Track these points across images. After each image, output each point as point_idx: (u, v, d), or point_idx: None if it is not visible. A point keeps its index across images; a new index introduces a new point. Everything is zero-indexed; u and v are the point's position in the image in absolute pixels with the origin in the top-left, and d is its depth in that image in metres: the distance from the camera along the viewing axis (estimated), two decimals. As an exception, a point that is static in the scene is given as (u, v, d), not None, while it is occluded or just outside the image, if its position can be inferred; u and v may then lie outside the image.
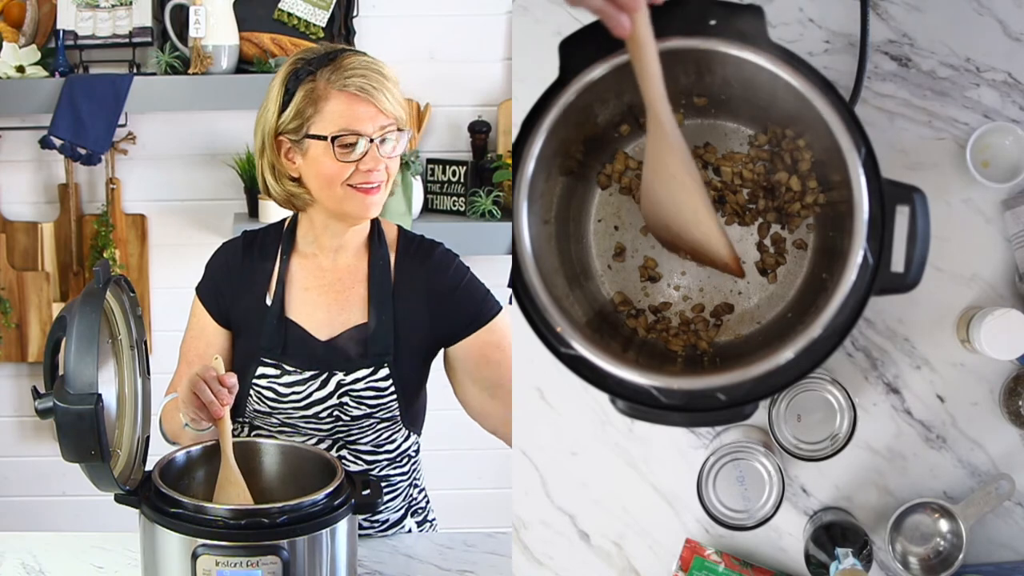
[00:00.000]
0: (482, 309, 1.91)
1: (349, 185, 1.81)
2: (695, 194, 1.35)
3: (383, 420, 1.90)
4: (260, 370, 1.87)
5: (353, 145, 1.79)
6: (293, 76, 1.81)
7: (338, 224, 1.88)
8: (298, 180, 1.86)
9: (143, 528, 1.52)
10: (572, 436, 1.60)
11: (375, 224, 1.94)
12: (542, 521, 1.62)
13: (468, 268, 1.95)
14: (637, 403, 1.30)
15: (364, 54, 1.85)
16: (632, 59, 1.27)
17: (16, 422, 3.25)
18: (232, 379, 1.66)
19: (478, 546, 1.81)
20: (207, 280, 1.95)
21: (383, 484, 1.95)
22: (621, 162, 1.46)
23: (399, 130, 1.84)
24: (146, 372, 1.63)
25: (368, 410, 1.88)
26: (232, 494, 1.64)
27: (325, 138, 1.79)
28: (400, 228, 1.98)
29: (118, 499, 1.53)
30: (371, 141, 1.80)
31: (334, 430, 1.90)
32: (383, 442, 1.94)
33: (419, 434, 2.01)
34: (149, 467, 1.59)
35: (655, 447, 1.59)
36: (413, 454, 2.01)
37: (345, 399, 1.87)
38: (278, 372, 1.87)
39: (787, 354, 1.27)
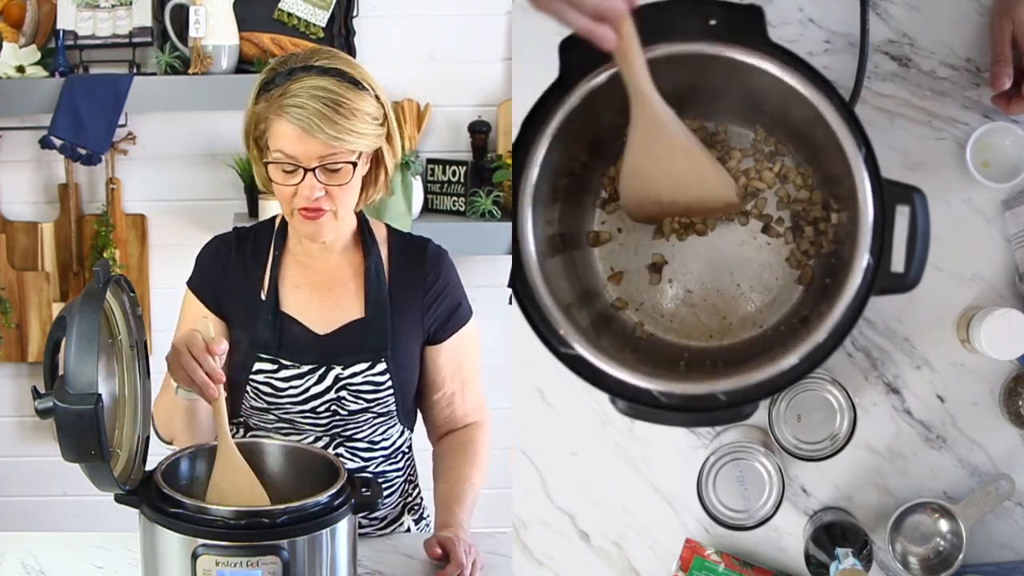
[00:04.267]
0: (462, 311, 1.98)
1: (298, 208, 1.81)
2: (696, 152, 1.36)
3: (379, 415, 1.92)
4: (257, 365, 1.88)
5: (292, 171, 1.77)
6: (262, 86, 1.81)
7: None
8: None
9: (143, 528, 1.52)
10: (572, 436, 1.60)
11: (363, 222, 1.95)
12: (542, 521, 1.62)
13: (455, 267, 1.99)
14: (637, 403, 1.30)
15: (329, 74, 1.77)
16: (616, 57, 1.28)
17: (16, 422, 3.25)
18: (223, 345, 1.63)
19: (478, 546, 1.81)
20: (199, 273, 1.95)
21: (380, 480, 1.96)
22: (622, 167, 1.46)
23: (351, 163, 1.78)
24: (146, 372, 1.63)
25: (365, 404, 1.89)
26: (240, 483, 1.62)
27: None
28: (389, 226, 2.00)
29: (118, 499, 1.52)
30: (309, 170, 1.76)
31: (331, 425, 1.91)
32: (379, 438, 1.95)
33: (412, 429, 2.03)
34: (149, 467, 1.59)
35: (655, 447, 1.59)
36: (407, 450, 2.03)
37: (343, 393, 1.88)
38: (275, 367, 1.88)
39: (791, 359, 1.27)
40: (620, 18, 1.19)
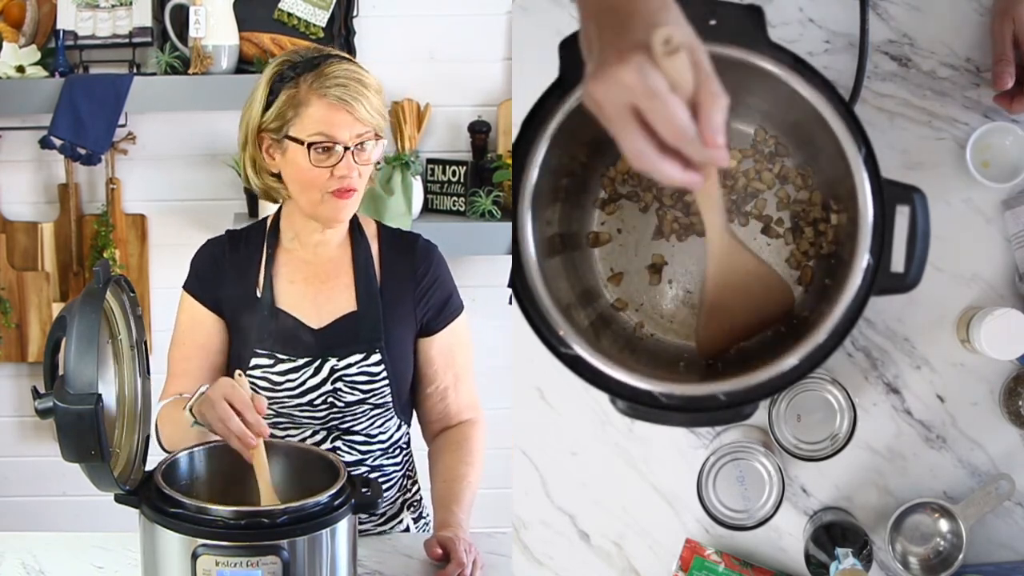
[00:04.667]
0: (454, 303, 2.01)
1: (327, 191, 1.85)
2: (767, 272, 1.36)
3: (376, 407, 1.94)
4: (253, 361, 1.90)
5: (329, 151, 1.83)
6: (278, 77, 1.86)
7: (315, 222, 1.92)
8: (278, 175, 1.91)
9: (143, 528, 1.52)
10: (572, 436, 1.60)
11: (353, 218, 1.98)
12: (542, 521, 1.62)
13: (445, 261, 2.02)
14: (637, 403, 1.30)
15: (349, 60, 1.88)
16: (697, 195, 1.28)
17: (16, 422, 3.25)
18: (264, 403, 1.63)
19: (478, 546, 1.81)
20: (195, 276, 1.98)
21: (377, 474, 1.98)
22: (623, 168, 1.46)
23: (377, 137, 1.87)
24: (146, 372, 1.63)
25: (361, 395, 1.92)
26: None
27: (303, 142, 1.83)
28: (378, 223, 2.04)
29: (118, 499, 1.53)
30: (347, 148, 1.83)
31: (328, 418, 1.93)
32: (376, 431, 1.97)
33: (409, 424, 2.04)
34: (149, 467, 1.59)
35: (655, 447, 1.59)
36: (405, 446, 2.05)
37: (339, 384, 1.90)
38: (271, 362, 1.90)
39: (791, 360, 1.27)
40: (722, 165, 1.15)
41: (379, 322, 1.92)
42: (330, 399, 1.91)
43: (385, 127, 1.89)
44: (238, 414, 1.61)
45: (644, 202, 1.47)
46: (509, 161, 3.01)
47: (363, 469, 1.96)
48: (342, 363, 1.90)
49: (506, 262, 2.89)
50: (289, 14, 3.05)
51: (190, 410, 1.69)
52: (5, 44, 2.92)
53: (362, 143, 1.85)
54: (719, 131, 1.08)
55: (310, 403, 1.91)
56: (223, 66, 2.95)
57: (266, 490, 1.62)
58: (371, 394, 1.92)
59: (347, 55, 1.91)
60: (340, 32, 3.07)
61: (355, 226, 1.98)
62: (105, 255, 3.07)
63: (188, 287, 1.98)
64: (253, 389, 1.90)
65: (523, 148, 1.32)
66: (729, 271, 1.34)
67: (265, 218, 2.01)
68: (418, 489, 2.11)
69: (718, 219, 1.30)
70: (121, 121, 2.97)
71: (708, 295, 1.35)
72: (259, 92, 1.87)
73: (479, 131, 3.12)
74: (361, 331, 1.92)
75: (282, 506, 1.51)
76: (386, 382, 1.93)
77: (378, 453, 1.98)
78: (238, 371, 1.71)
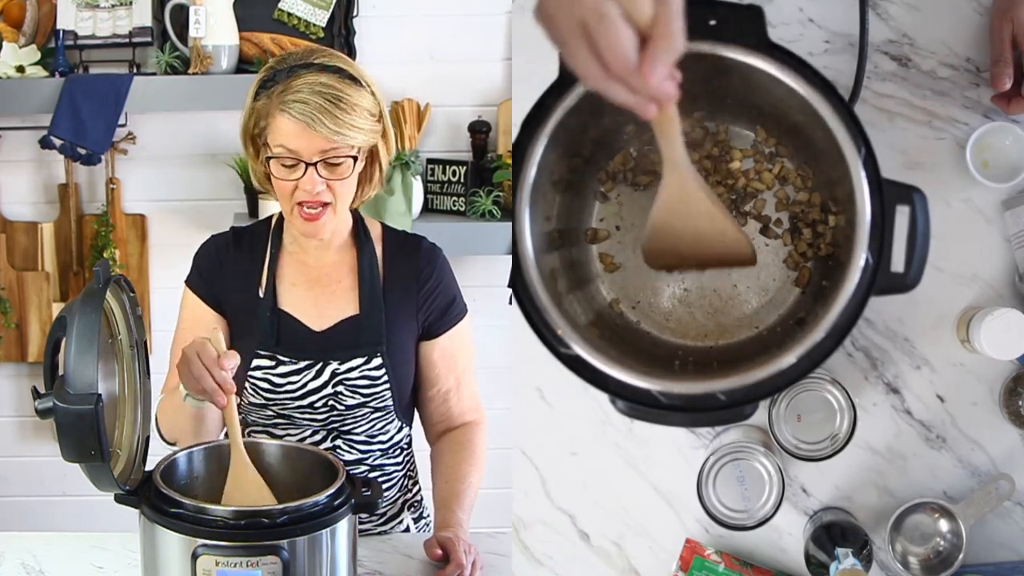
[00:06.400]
0: (457, 307, 2.00)
1: (298, 203, 1.84)
2: (720, 218, 1.37)
3: (377, 410, 1.94)
4: (255, 362, 1.90)
5: (292, 166, 1.81)
6: (262, 84, 1.84)
7: None
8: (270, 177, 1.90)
9: (143, 528, 1.52)
10: (572, 436, 1.60)
11: (358, 220, 1.97)
12: (542, 521, 1.62)
13: (449, 264, 2.01)
14: (637, 403, 1.30)
15: (330, 71, 1.82)
16: (654, 127, 1.27)
17: (16, 422, 3.25)
18: (233, 360, 1.64)
19: (478, 546, 1.81)
20: (197, 272, 1.98)
21: (377, 473, 1.98)
22: (619, 162, 1.47)
23: (352, 157, 1.82)
24: (146, 372, 1.63)
25: (362, 399, 1.91)
26: (250, 492, 1.61)
27: (270, 153, 1.83)
28: (384, 225, 2.03)
29: (118, 499, 1.53)
30: (309, 164, 1.80)
31: (328, 420, 1.93)
32: (376, 433, 1.97)
33: (410, 426, 2.04)
34: (149, 467, 1.59)
35: (655, 447, 1.59)
36: (405, 446, 2.05)
37: (339, 388, 1.90)
38: (273, 363, 1.90)
39: (789, 359, 1.27)
40: (670, 100, 1.16)
41: (381, 326, 1.92)
42: (331, 402, 1.91)
43: (373, 140, 1.85)
44: (208, 371, 1.61)
45: (642, 184, 1.47)
46: (509, 161, 3.01)
47: (363, 469, 1.96)
48: (343, 367, 1.90)
49: (506, 262, 2.89)
50: (289, 14, 3.05)
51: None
52: (5, 44, 2.92)
53: (327, 161, 1.80)
54: (658, 68, 1.08)
55: (310, 405, 1.91)
56: (223, 66, 2.95)
57: (237, 451, 1.61)
58: (372, 398, 1.92)
59: (338, 63, 1.84)
60: (340, 32, 3.07)
61: (360, 228, 1.97)
62: (105, 255, 3.07)
63: (190, 283, 1.97)
64: (255, 390, 1.90)
65: (522, 147, 1.32)
66: (679, 202, 1.33)
67: (270, 217, 2.00)
68: (419, 489, 2.11)
69: (674, 151, 1.28)
70: (121, 121, 2.97)
71: (654, 216, 1.36)
72: (248, 97, 1.86)
73: (479, 131, 3.12)
74: (363, 335, 1.92)
75: (281, 506, 1.50)
76: (387, 386, 1.92)
77: (378, 453, 1.98)
78: (214, 327, 1.69)
